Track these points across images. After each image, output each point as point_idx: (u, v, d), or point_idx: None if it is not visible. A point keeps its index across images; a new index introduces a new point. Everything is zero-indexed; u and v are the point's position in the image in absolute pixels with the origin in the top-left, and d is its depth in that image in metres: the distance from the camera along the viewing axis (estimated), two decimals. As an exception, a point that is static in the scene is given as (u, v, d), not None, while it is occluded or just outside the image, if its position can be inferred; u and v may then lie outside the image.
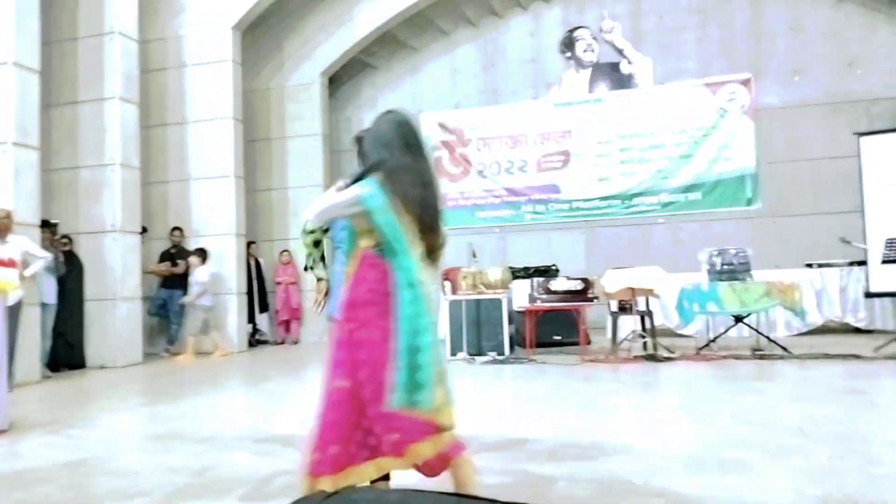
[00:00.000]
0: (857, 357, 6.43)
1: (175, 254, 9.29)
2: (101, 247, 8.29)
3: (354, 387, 2.34)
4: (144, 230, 9.25)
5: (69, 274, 7.97)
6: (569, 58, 11.16)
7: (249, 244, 10.32)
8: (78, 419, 4.89)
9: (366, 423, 2.34)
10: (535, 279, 8.58)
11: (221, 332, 9.27)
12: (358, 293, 2.38)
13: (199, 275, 8.86)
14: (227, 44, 9.62)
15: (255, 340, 10.52)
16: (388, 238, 2.34)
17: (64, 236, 8.19)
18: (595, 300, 7.86)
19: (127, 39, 8.51)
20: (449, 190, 11.45)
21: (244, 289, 9.78)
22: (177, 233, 9.48)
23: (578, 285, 7.79)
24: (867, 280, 8.27)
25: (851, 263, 8.74)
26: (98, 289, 8.25)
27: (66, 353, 7.92)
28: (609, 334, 7.76)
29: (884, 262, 6.96)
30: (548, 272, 9.03)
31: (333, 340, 2.42)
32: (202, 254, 9.01)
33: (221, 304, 9.44)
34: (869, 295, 8.35)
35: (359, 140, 2.84)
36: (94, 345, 8.22)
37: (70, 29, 8.50)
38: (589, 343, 7.88)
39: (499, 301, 7.74)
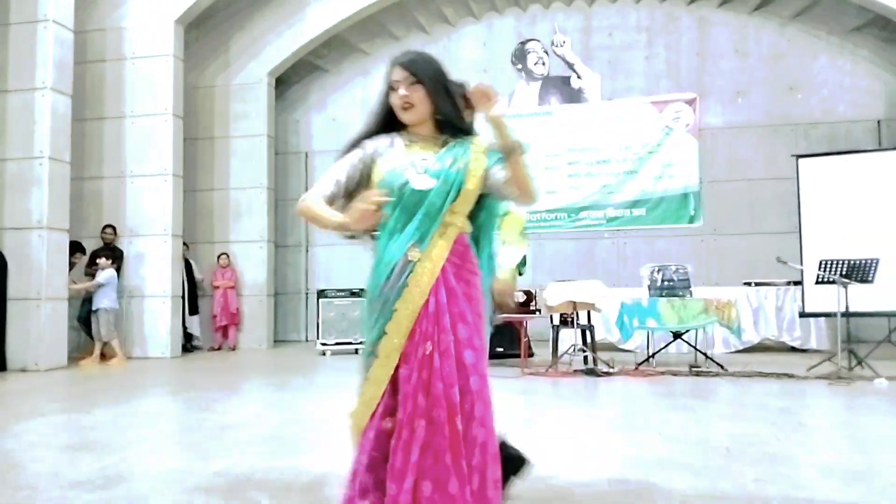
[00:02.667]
0: (790, 376, 6.52)
1: (100, 256, 8.92)
2: (27, 244, 7.90)
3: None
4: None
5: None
6: (520, 69, 11.18)
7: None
8: (-17, 427, 4.58)
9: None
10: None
11: (125, 338, 8.96)
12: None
13: (101, 275, 8.50)
14: (170, 38, 9.33)
15: (190, 346, 10.17)
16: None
17: (-14, 231, 7.78)
18: (537, 313, 7.83)
19: (62, 28, 8.16)
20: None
21: (179, 291, 9.45)
22: (108, 230, 9.12)
23: (521, 297, 7.75)
24: (802, 300, 8.46)
25: (788, 283, 8.92)
26: (21, 288, 7.85)
27: (-16, 355, 7.51)
28: (550, 347, 7.73)
29: (818, 282, 7.11)
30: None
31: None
32: (111, 255, 8.67)
33: (151, 307, 9.10)
34: (804, 315, 8.54)
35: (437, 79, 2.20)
36: (16, 346, 7.81)
37: (1, 14, 8.11)
38: (531, 356, 7.84)
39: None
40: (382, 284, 2.08)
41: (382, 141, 2.26)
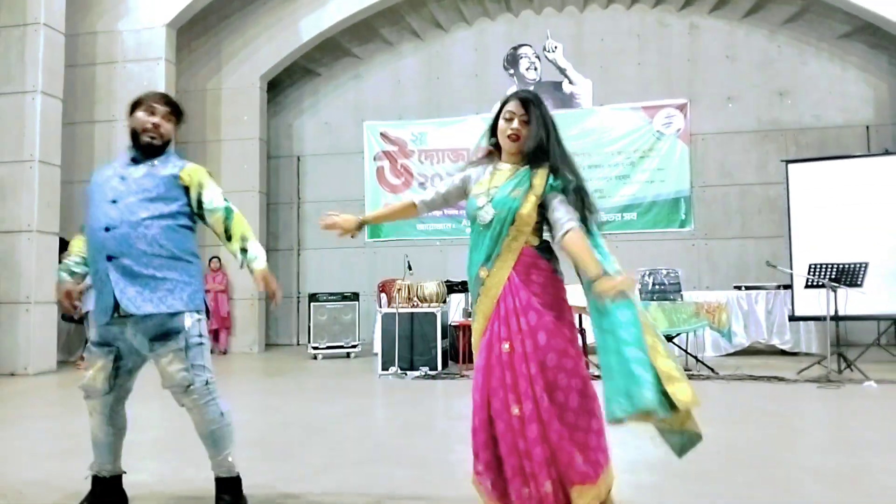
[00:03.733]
0: (780, 379, 6.55)
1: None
2: (16, 247, 7.86)
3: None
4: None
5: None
6: (512, 75, 11.22)
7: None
8: (-29, 432, 4.55)
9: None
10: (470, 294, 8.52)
11: None
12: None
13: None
14: (161, 42, 9.32)
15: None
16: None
17: (-26, 235, 7.73)
18: (529, 317, 7.82)
19: (53, 31, 8.13)
20: (389, 201, 11.32)
21: (170, 296, 9.40)
22: (99, 234, 9.06)
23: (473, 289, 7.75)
24: (792, 304, 8.50)
25: (778, 287, 8.97)
26: (10, 291, 7.81)
27: (-29, 360, 7.45)
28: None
29: (807, 286, 7.15)
30: (484, 287, 8.96)
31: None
32: None
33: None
34: (793, 318, 8.59)
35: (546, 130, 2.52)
36: (5, 350, 7.76)
37: (-9, 17, 8.08)
38: (522, 360, 7.84)
39: (433, 315, 7.62)
40: (472, 289, 2.52)
41: (480, 169, 2.61)
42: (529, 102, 2.49)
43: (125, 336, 2.65)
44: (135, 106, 2.76)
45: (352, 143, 11.52)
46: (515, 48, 11.22)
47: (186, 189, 2.72)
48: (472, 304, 2.53)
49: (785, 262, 8.51)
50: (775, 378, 6.61)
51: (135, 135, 2.73)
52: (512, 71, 11.21)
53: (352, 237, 2.75)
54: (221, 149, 10.62)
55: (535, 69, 11.12)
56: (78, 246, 2.76)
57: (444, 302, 8.09)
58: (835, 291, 6.80)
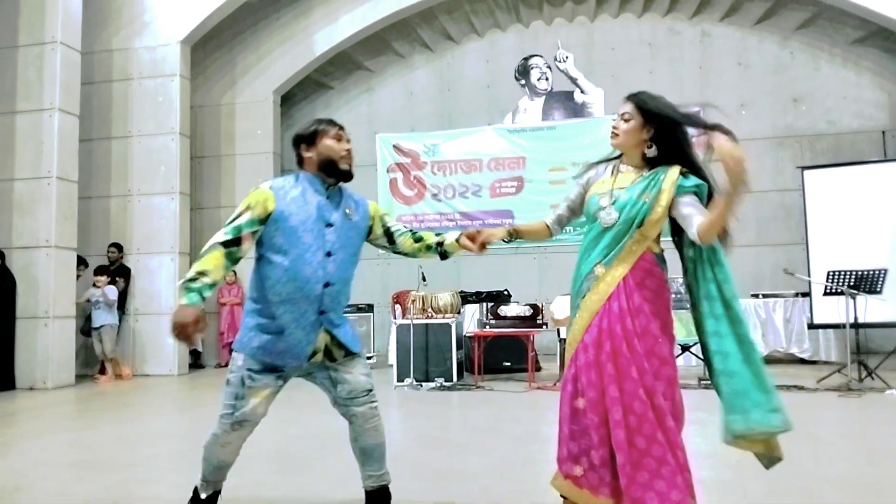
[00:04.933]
0: (800, 388, 6.48)
1: (113, 271, 8.96)
2: (34, 262, 7.94)
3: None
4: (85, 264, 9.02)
5: (-1, 291, 7.60)
6: (523, 85, 11.24)
7: (187, 263, 10.05)
8: (-9, 446, 4.59)
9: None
10: (485, 304, 8.52)
11: (132, 356, 9.08)
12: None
13: (91, 293, 8.53)
14: (175, 58, 9.43)
15: (200, 363, 10.19)
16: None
17: (-6, 251, 7.83)
18: (544, 326, 7.81)
19: (69, 49, 8.25)
20: (403, 212, 11.35)
21: (186, 309, 9.45)
22: (112, 249, 9.16)
23: (528, 311, 7.74)
24: (811, 311, 8.42)
25: (796, 294, 8.88)
26: (29, 306, 7.89)
27: (-8, 374, 7.52)
28: (557, 361, 7.70)
29: (826, 293, 7.07)
30: (499, 297, 8.96)
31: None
32: (103, 272, 8.68)
33: (159, 324, 9.12)
34: (812, 326, 8.50)
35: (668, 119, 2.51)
36: (24, 365, 7.83)
37: (9, 37, 8.21)
38: (538, 370, 7.81)
39: (448, 326, 7.61)
40: (577, 286, 2.52)
41: (600, 168, 2.63)
42: (636, 99, 2.50)
43: (302, 364, 2.63)
44: (314, 136, 2.69)
45: (365, 155, 11.54)
46: (526, 59, 11.24)
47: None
48: (577, 298, 2.50)
49: (802, 269, 8.43)
50: (795, 387, 6.53)
51: (330, 164, 2.66)
52: (523, 81, 11.24)
53: (506, 242, 2.78)
54: (236, 163, 10.70)
55: (547, 79, 11.14)
56: (214, 265, 2.48)
57: (459, 313, 8.08)
58: (854, 299, 6.73)
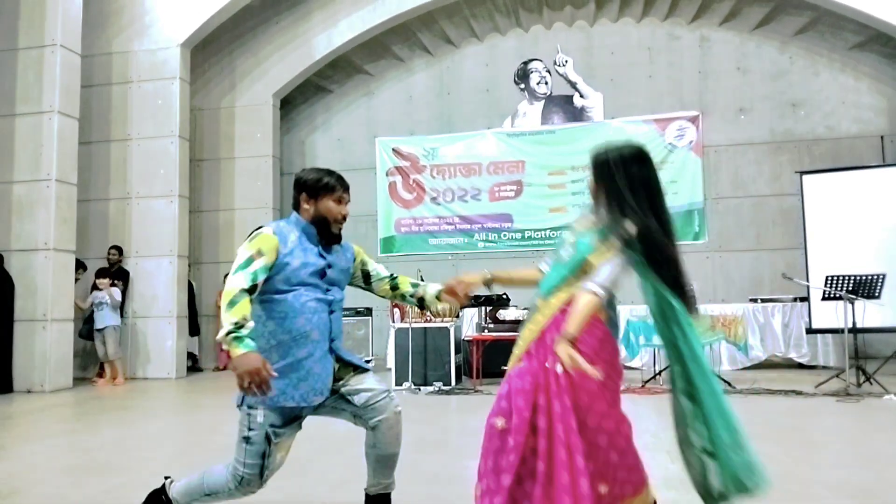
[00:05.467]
0: (798, 393, 6.48)
1: (113, 274, 8.95)
2: (33, 265, 7.94)
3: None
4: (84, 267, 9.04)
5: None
6: (523, 89, 11.25)
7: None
8: (-12, 449, 4.58)
9: None
10: (484, 308, 8.51)
11: (130, 359, 9.07)
12: None
13: (95, 295, 8.53)
14: (175, 61, 9.44)
15: (198, 367, 10.19)
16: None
17: (-8, 253, 7.83)
18: (542, 331, 7.78)
19: (69, 52, 8.26)
20: (402, 216, 11.36)
21: (184, 312, 9.46)
22: (113, 252, 9.16)
23: (526, 315, 7.72)
24: (809, 316, 8.42)
25: (795, 299, 8.89)
26: (28, 309, 7.88)
27: (-11, 377, 7.52)
28: (556, 366, 7.69)
29: (824, 298, 7.08)
30: (498, 301, 8.95)
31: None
32: (105, 274, 8.68)
33: (157, 327, 9.12)
34: (810, 331, 8.50)
35: (602, 166, 2.43)
36: (22, 368, 7.83)
37: (9, 39, 8.22)
38: (536, 374, 7.79)
39: (446, 330, 7.61)
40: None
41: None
42: (592, 160, 2.45)
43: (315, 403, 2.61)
44: (319, 189, 2.67)
45: (364, 158, 11.58)
46: (526, 63, 11.26)
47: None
48: (523, 323, 2.50)
49: (801, 274, 8.43)
50: (793, 392, 6.54)
51: (324, 223, 2.65)
52: (523, 86, 11.25)
53: (487, 288, 2.74)
54: (235, 166, 10.71)
55: (546, 83, 11.15)
56: (245, 313, 2.38)
57: (458, 317, 8.08)
58: (852, 303, 6.73)
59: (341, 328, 2.69)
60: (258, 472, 2.50)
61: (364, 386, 2.64)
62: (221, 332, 2.32)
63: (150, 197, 9.35)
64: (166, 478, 2.71)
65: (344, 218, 2.69)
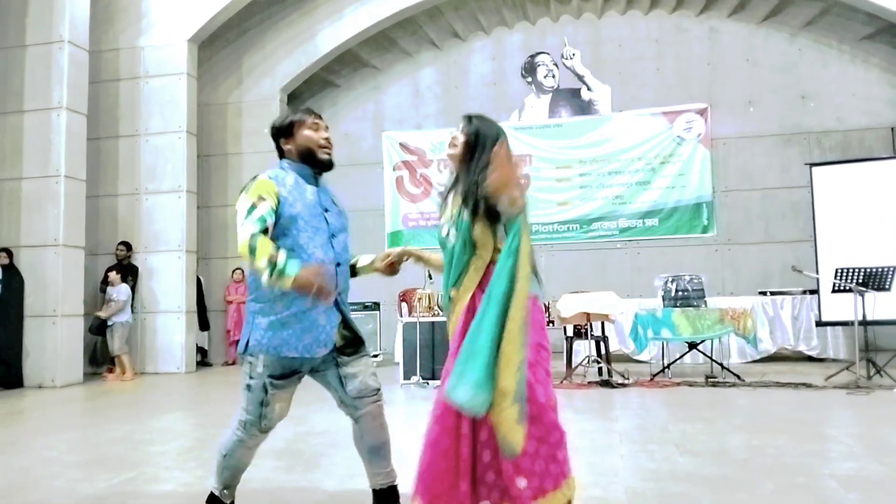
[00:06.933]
0: (807, 386, 6.45)
1: (122, 269, 8.99)
2: (43, 261, 7.99)
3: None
4: None
5: (8, 289, 7.65)
6: (530, 83, 11.21)
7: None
8: (2, 443, 4.62)
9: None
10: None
11: (140, 354, 9.15)
12: None
13: (118, 293, 8.58)
14: (183, 57, 9.45)
15: (207, 361, 10.25)
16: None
17: (3, 249, 7.88)
18: (550, 324, 7.79)
19: (77, 49, 8.29)
20: (409, 210, 11.37)
21: (193, 307, 9.50)
22: (121, 248, 9.20)
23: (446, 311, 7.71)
24: (819, 309, 8.38)
25: (804, 292, 8.84)
26: (38, 305, 7.93)
27: (1, 372, 7.58)
28: (564, 359, 7.69)
29: (834, 291, 7.04)
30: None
31: None
32: (121, 270, 8.75)
33: (166, 322, 9.16)
34: (820, 324, 8.46)
35: (475, 139, 2.47)
36: (33, 363, 7.88)
37: (17, 36, 8.25)
38: (544, 368, 7.79)
39: (454, 324, 7.60)
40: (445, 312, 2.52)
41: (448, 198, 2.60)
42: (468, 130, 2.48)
43: (317, 359, 2.60)
44: (291, 127, 2.65)
45: (371, 153, 11.58)
46: (533, 56, 11.23)
47: None
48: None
49: (810, 266, 8.39)
50: (803, 385, 6.51)
51: (309, 154, 2.64)
52: (530, 79, 11.22)
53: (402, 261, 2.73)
54: (242, 161, 10.73)
55: (553, 76, 11.12)
56: (271, 247, 2.40)
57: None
58: (862, 296, 6.69)
59: (348, 285, 2.66)
60: (257, 418, 2.56)
61: (360, 376, 2.63)
62: (264, 279, 2.34)
63: (159, 192, 9.38)
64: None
65: (327, 141, 2.68)
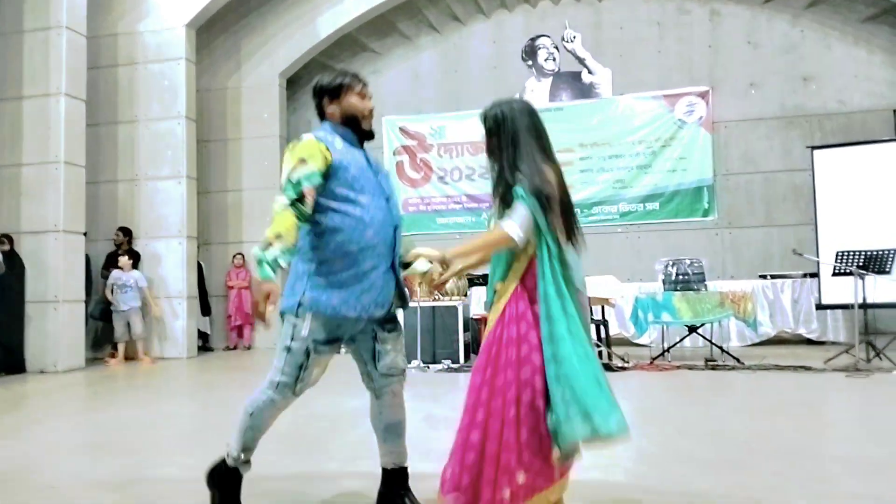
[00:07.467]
0: (807, 369, 6.47)
1: (130, 256, 9.01)
2: (44, 247, 7.98)
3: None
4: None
5: (9, 275, 7.65)
6: (530, 66, 11.15)
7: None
8: (6, 428, 4.64)
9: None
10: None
11: (160, 337, 9.18)
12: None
13: (135, 278, 8.65)
14: (181, 42, 9.40)
15: (208, 346, 10.29)
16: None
17: (4, 235, 7.88)
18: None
19: (75, 34, 8.24)
20: (409, 195, 11.35)
21: (194, 292, 9.52)
22: (118, 234, 9.18)
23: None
24: (819, 292, 8.39)
25: (805, 275, 8.85)
26: (39, 290, 7.94)
27: (3, 357, 7.60)
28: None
29: (834, 274, 7.04)
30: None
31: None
32: (134, 255, 8.78)
33: (168, 308, 9.18)
34: (820, 307, 8.47)
35: (494, 126, 2.44)
36: (34, 349, 7.90)
37: (15, 22, 8.20)
38: (545, 352, 7.82)
39: (455, 308, 7.63)
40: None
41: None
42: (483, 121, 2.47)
43: (356, 327, 2.58)
44: (340, 88, 2.58)
45: (371, 138, 11.54)
46: (533, 39, 11.15)
47: None
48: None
49: (811, 249, 8.39)
50: (802, 368, 6.53)
51: (354, 120, 2.58)
52: (530, 62, 11.15)
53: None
54: (242, 147, 10.70)
55: (554, 60, 11.05)
56: (286, 226, 2.32)
57: (466, 295, 8.10)
58: (863, 279, 6.70)
59: (401, 248, 2.61)
60: (293, 381, 2.52)
61: (393, 354, 2.63)
62: (255, 250, 2.32)
63: (158, 178, 9.36)
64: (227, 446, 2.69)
65: (371, 113, 2.63)
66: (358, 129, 2.59)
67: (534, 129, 2.39)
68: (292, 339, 2.49)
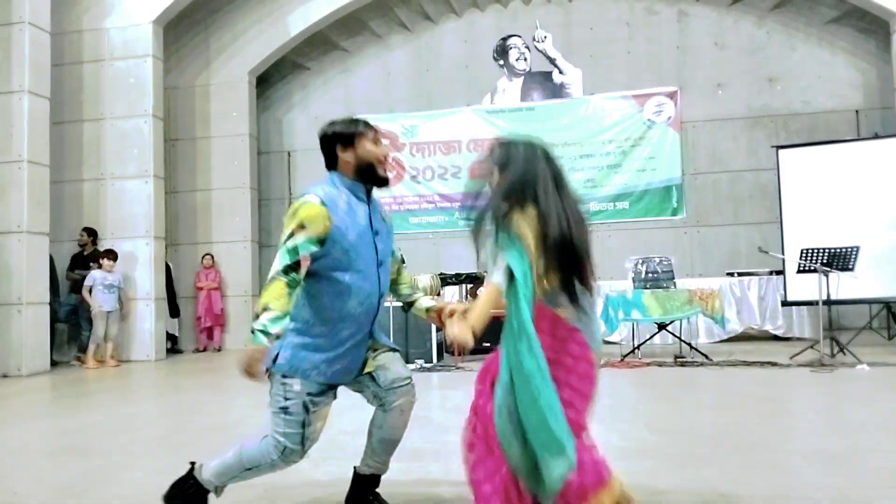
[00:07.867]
0: (773, 364, 6.59)
1: (87, 257, 8.84)
2: (6, 248, 7.82)
3: None
4: None
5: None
6: (502, 66, 11.19)
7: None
8: (-35, 434, 4.53)
9: None
10: (465, 286, 8.54)
11: (128, 340, 9.03)
12: None
13: (116, 279, 8.50)
14: (148, 38, 9.26)
15: (177, 349, 10.15)
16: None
17: (-36, 237, 7.69)
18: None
19: (38, 30, 8.08)
20: (381, 195, 11.30)
21: (163, 294, 9.38)
22: (82, 234, 9.00)
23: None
24: (784, 289, 8.55)
25: (771, 273, 9.01)
26: (2, 293, 7.78)
27: (-36, 362, 7.42)
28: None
29: (799, 271, 7.18)
30: (479, 279, 8.97)
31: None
32: (113, 255, 8.64)
33: (135, 309, 9.04)
34: (786, 303, 8.64)
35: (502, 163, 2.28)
36: (-3, 352, 7.72)
37: (-25, 17, 8.00)
38: (517, 350, 7.85)
39: (427, 308, 7.61)
40: None
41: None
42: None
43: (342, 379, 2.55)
44: (354, 134, 2.50)
45: (342, 137, 11.47)
46: (505, 39, 11.19)
47: None
48: None
49: (777, 247, 8.54)
50: (768, 363, 6.65)
51: (370, 169, 2.50)
52: (502, 62, 11.19)
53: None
54: (211, 145, 10.57)
55: (525, 59, 11.10)
56: (274, 296, 2.28)
57: (439, 294, 8.09)
58: (827, 276, 6.84)
59: (381, 313, 2.59)
60: (300, 441, 2.44)
61: (391, 367, 2.58)
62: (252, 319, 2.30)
63: (125, 178, 9.21)
64: (192, 463, 2.64)
65: (386, 158, 2.56)
66: (373, 177, 2.52)
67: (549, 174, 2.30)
68: (286, 398, 2.44)
